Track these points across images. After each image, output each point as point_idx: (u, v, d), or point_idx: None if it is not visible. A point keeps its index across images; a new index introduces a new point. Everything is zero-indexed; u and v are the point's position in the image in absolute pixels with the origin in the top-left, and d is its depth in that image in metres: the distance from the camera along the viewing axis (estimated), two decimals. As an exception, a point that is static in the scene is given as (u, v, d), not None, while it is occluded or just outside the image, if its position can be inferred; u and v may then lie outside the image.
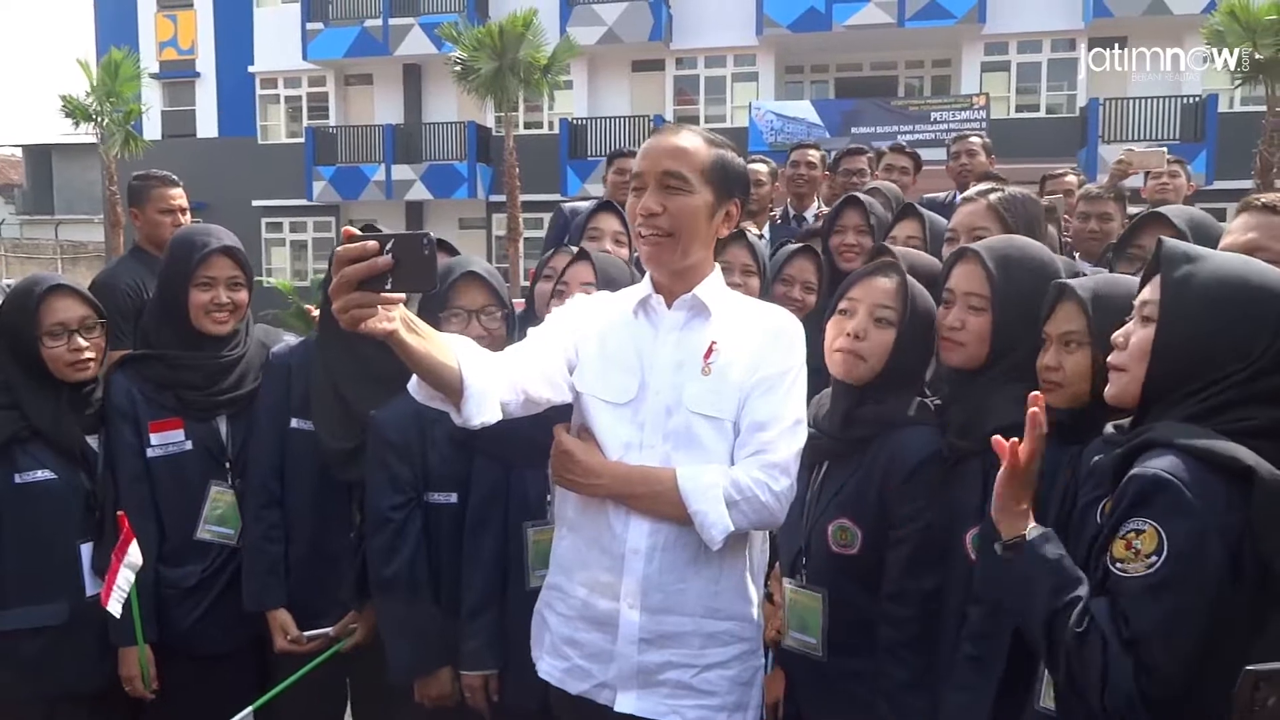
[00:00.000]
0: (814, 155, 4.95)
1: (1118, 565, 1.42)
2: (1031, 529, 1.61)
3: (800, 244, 3.10)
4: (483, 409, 1.70)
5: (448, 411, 1.72)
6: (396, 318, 1.50)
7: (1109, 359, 1.63)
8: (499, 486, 2.34)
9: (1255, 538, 1.37)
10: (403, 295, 1.49)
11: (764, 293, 2.87)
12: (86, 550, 2.48)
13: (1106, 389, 1.63)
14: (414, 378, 1.68)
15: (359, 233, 1.46)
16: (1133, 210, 4.20)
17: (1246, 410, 1.46)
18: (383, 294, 1.46)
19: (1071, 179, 4.64)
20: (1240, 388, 1.47)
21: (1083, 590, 1.50)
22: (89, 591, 2.47)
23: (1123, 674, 1.39)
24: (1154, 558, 1.38)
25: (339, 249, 1.45)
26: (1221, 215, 4.04)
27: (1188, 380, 1.51)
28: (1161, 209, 2.60)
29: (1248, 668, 1.17)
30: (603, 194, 4.50)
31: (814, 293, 2.94)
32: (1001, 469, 1.65)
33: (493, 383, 1.72)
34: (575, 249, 2.74)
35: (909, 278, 2.10)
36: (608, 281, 2.33)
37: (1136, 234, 2.52)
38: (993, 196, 2.58)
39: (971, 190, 2.71)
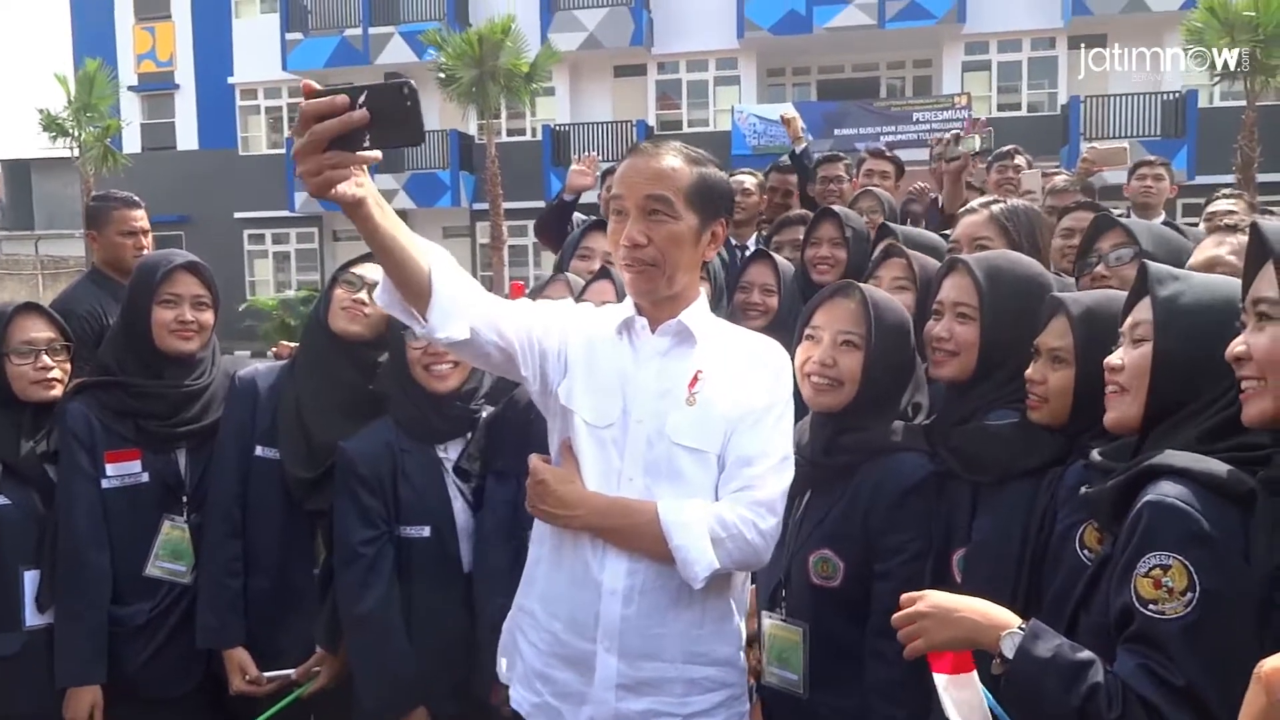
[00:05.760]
0: (840, 169, 4.87)
1: (1151, 608, 1.32)
2: (1005, 637, 1.42)
3: (755, 249, 3.16)
4: (448, 321, 1.56)
5: (410, 324, 1.58)
6: (367, 184, 1.39)
7: (1108, 385, 1.58)
8: (511, 505, 2.26)
9: (1251, 557, 1.31)
10: (378, 154, 1.33)
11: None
12: (30, 577, 2.40)
13: (1107, 415, 1.58)
14: (380, 283, 1.56)
15: (320, 87, 1.30)
16: (1116, 208, 4.15)
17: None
18: (359, 153, 1.31)
19: (1062, 179, 4.62)
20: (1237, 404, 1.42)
21: (1096, 672, 1.35)
22: (28, 622, 2.40)
23: None
24: (1189, 594, 1.30)
25: (303, 104, 1.30)
26: (1202, 210, 4.01)
27: (1188, 399, 1.48)
28: (1118, 218, 2.55)
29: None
30: (597, 214, 4.41)
31: (774, 295, 2.94)
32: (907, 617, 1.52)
33: (466, 297, 1.59)
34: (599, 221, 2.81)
35: (871, 294, 2.01)
36: None
37: (1094, 241, 2.47)
38: (995, 208, 2.58)
39: (974, 201, 2.73)
